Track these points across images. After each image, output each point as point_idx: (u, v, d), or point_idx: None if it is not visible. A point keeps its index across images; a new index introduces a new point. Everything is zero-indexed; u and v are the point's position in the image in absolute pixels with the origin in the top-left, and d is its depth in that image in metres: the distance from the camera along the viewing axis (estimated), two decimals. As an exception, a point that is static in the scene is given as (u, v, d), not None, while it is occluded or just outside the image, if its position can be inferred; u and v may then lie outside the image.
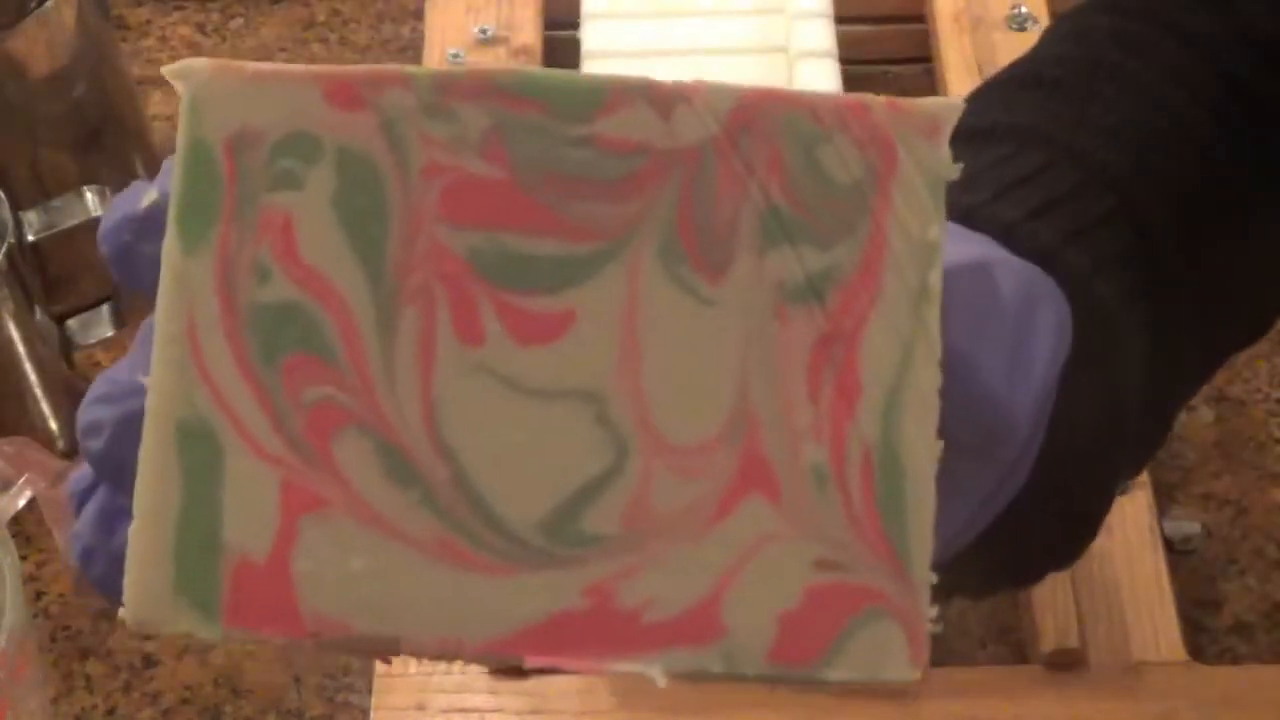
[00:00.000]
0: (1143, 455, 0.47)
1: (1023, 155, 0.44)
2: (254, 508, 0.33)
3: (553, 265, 0.34)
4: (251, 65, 0.34)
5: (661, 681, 0.33)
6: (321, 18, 0.97)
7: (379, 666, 0.66)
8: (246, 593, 0.33)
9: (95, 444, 0.36)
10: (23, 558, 0.73)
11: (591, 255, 0.34)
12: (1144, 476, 0.69)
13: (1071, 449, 0.41)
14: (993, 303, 0.38)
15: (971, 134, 0.44)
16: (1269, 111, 0.48)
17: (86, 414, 0.37)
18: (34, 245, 0.75)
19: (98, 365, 0.81)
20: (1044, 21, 0.85)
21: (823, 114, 0.34)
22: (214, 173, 0.34)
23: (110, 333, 0.79)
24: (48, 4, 0.76)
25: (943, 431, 0.34)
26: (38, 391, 0.76)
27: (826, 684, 0.33)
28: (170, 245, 0.34)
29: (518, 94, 0.34)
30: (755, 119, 0.34)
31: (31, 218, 0.75)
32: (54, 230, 0.75)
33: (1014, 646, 0.70)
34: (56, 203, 0.76)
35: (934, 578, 0.33)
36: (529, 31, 0.86)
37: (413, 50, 0.93)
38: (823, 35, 0.82)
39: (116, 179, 0.79)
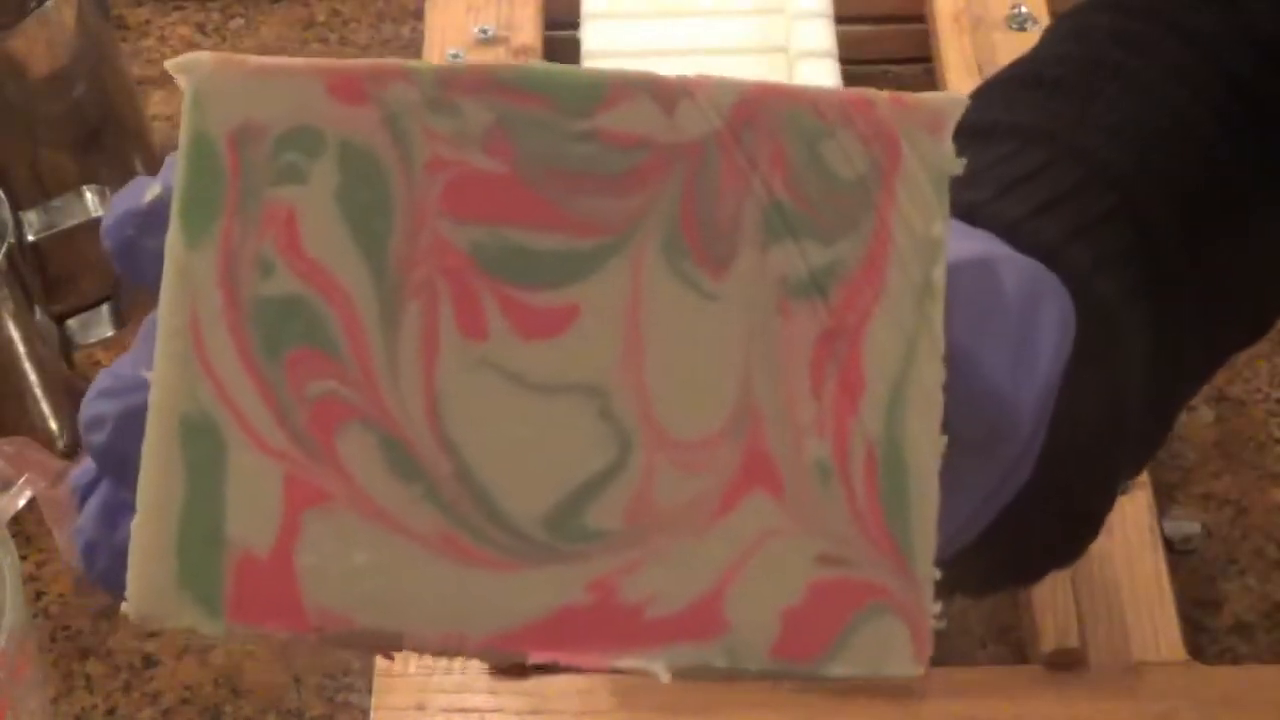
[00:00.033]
0: (1144, 454, 0.47)
1: (1025, 153, 0.44)
2: (257, 502, 0.33)
3: (556, 260, 0.34)
4: (255, 59, 0.34)
5: (665, 677, 0.33)
6: (321, 18, 0.97)
7: (379, 666, 0.66)
8: (250, 587, 0.33)
9: (98, 438, 0.36)
10: (23, 558, 0.73)
11: (595, 250, 0.34)
12: (1144, 476, 0.69)
13: (1073, 447, 0.41)
14: (996, 299, 0.38)
15: (973, 132, 0.44)
16: (1271, 111, 0.48)
17: (89, 408, 0.37)
18: (34, 245, 0.75)
19: (98, 365, 0.81)
20: (1044, 21, 0.85)
21: (826, 109, 0.34)
22: (217, 166, 0.34)
23: (110, 332, 0.79)
24: (48, 4, 0.77)
25: (946, 427, 0.34)
26: (38, 391, 0.76)
27: (829, 680, 0.33)
28: (173, 239, 0.34)
29: (521, 88, 0.34)
30: (758, 114, 0.34)
31: (31, 218, 0.75)
32: (54, 230, 0.75)
33: (1014, 646, 0.70)
34: (56, 203, 0.76)
35: (937, 574, 0.33)
36: (529, 31, 0.86)
37: (413, 50, 0.93)
38: (823, 35, 0.82)
39: (116, 179, 0.79)
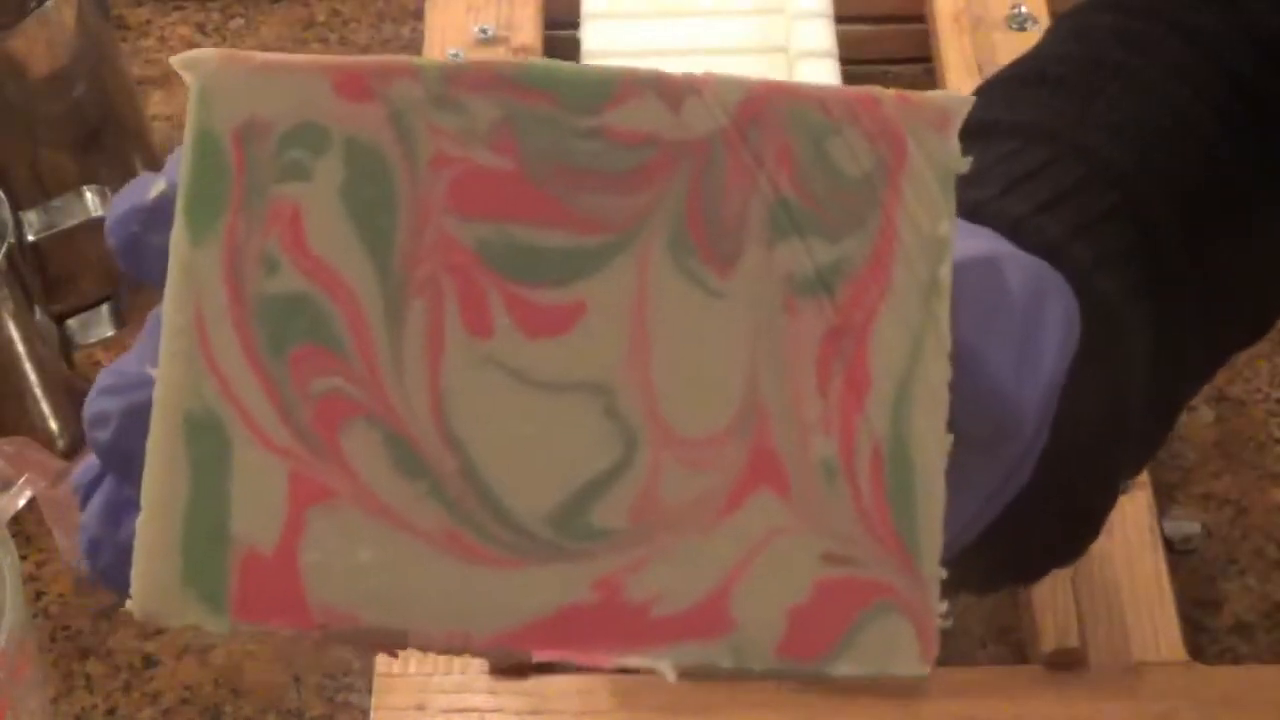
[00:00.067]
0: (1145, 453, 0.47)
1: (1027, 152, 0.45)
2: (262, 499, 0.33)
3: (562, 257, 0.34)
4: (260, 56, 0.34)
5: (670, 676, 0.33)
6: (321, 18, 0.97)
7: (379, 666, 0.66)
8: (254, 584, 0.33)
9: (102, 435, 0.36)
10: (23, 558, 0.73)
11: (600, 247, 0.34)
12: (1144, 476, 0.69)
13: (1075, 445, 0.41)
14: (1001, 297, 0.38)
15: (975, 131, 0.44)
16: (1273, 110, 0.48)
17: (93, 405, 0.37)
18: (34, 245, 0.75)
19: (98, 365, 0.81)
20: (1044, 21, 0.85)
21: (832, 107, 0.34)
22: (222, 163, 0.34)
23: (110, 332, 0.79)
24: (48, 4, 0.76)
25: (951, 425, 0.34)
26: (38, 391, 0.76)
27: (835, 679, 0.33)
28: (178, 236, 0.34)
29: (527, 85, 0.34)
30: (764, 111, 0.34)
31: (31, 218, 0.75)
32: (54, 230, 0.75)
33: (1014, 646, 0.70)
34: (56, 203, 0.75)
35: (943, 573, 0.33)
36: (529, 31, 0.86)
37: (413, 50, 0.93)
38: (823, 35, 0.82)
39: (116, 179, 0.79)
